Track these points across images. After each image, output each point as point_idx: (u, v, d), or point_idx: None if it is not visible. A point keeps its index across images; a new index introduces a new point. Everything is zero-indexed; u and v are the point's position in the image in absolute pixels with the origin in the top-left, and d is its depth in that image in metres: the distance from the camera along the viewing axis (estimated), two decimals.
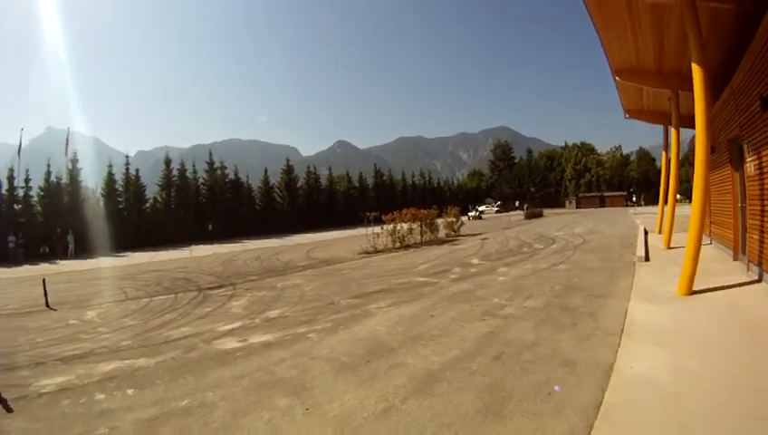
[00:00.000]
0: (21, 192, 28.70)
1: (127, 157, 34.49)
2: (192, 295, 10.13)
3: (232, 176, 41.40)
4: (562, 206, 67.95)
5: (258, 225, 39.60)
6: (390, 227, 20.25)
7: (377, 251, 18.30)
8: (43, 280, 10.74)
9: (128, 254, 25.26)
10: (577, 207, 62.77)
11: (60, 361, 5.82)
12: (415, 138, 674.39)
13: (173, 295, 10.37)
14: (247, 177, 42.78)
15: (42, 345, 6.75)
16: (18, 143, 28.14)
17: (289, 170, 45.65)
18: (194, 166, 38.22)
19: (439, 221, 23.66)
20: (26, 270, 20.06)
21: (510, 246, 16.66)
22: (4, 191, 28.15)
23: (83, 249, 27.30)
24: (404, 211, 21.28)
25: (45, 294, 10.35)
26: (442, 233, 23.66)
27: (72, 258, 25.11)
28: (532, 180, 75.05)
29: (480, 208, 59.85)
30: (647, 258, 10.77)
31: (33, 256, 26.03)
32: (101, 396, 4.43)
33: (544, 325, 5.77)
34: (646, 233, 15.84)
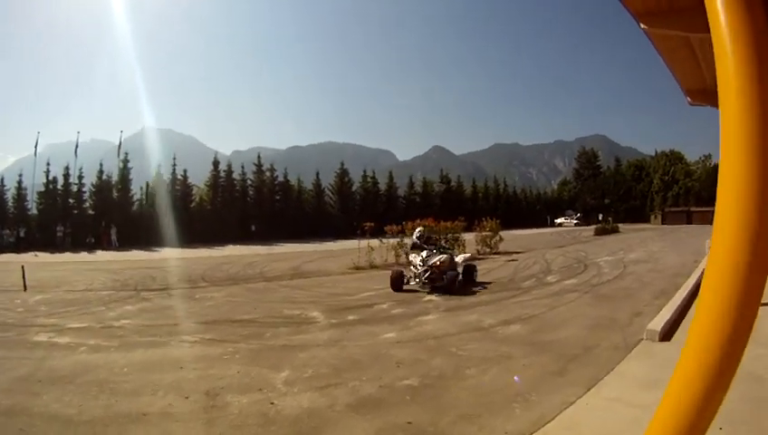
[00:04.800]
0: (75, 188, 36.20)
1: (174, 158, 40.82)
2: (127, 294, 12.73)
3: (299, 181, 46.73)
4: (647, 220, 66.27)
5: (307, 228, 42.80)
6: (393, 241, 20.92)
7: (372, 267, 19.08)
8: (22, 267, 14.24)
9: (161, 249, 30.03)
10: (662, 223, 61.80)
11: None
12: (511, 145, 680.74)
13: (113, 292, 13.15)
14: (299, 180, 46.99)
15: None
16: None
17: (342, 174, 48.92)
18: (242, 168, 43.49)
19: (469, 236, 23.53)
20: (64, 256, 25.72)
21: (518, 275, 15.36)
22: (59, 187, 35.69)
23: (128, 242, 32.89)
24: (416, 222, 20.61)
25: (23, 279, 13.79)
26: (472, 249, 22.71)
27: (114, 250, 30.48)
28: (617, 192, 73.71)
29: (558, 221, 59.95)
30: (664, 335, 6.90)
31: (79, 245, 32.32)
32: None
33: None
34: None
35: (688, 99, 13.01)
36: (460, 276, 12.60)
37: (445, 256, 12.35)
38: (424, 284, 12.01)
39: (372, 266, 19.17)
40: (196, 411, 4.79)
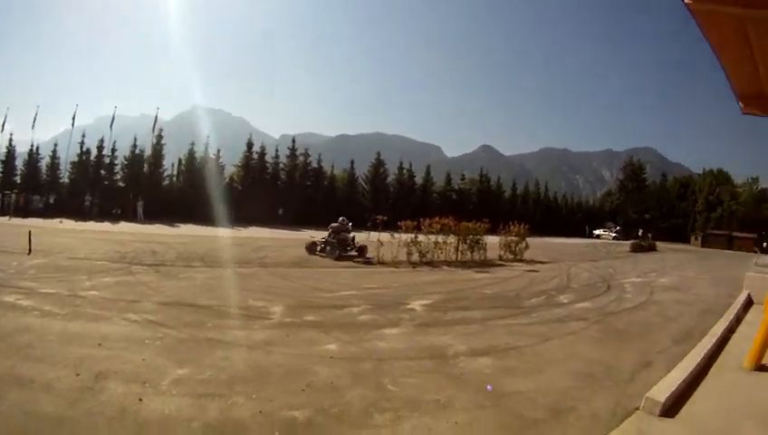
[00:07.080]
0: (107, 160, 39.51)
1: (208, 136, 43.28)
2: (118, 266, 13.71)
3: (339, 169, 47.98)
4: (687, 241, 67.02)
5: (336, 216, 43.23)
6: (405, 236, 20.21)
7: (379, 263, 18.91)
8: (29, 232, 15.55)
9: (183, 226, 31.88)
10: (702, 245, 61.72)
11: None
12: (560, 150, 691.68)
13: (107, 262, 14.21)
14: (332, 167, 48.45)
15: None
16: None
17: (378, 164, 49.63)
18: (276, 150, 45.23)
19: (494, 239, 23.00)
20: (86, 225, 28.20)
21: (528, 290, 14.17)
22: (92, 158, 39.20)
23: (154, 216, 35.03)
24: (435, 220, 21.02)
25: (29, 243, 15.18)
26: (494, 254, 22.54)
27: (138, 222, 32.83)
28: (660, 208, 74.31)
29: (596, 232, 60.16)
30: (668, 409, 5.09)
31: (105, 215, 35.12)
32: None
33: None
34: (744, 312, 11.80)
35: (741, 105, 10.45)
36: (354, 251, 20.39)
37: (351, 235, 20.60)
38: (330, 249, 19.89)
39: (380, 262, 18.98)
40: (72, 390, 5.05)
